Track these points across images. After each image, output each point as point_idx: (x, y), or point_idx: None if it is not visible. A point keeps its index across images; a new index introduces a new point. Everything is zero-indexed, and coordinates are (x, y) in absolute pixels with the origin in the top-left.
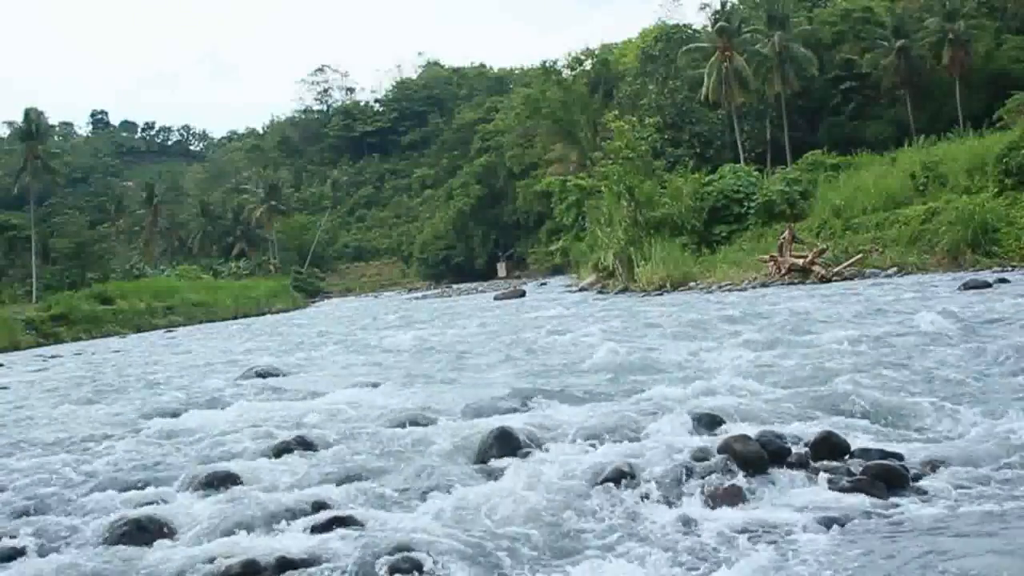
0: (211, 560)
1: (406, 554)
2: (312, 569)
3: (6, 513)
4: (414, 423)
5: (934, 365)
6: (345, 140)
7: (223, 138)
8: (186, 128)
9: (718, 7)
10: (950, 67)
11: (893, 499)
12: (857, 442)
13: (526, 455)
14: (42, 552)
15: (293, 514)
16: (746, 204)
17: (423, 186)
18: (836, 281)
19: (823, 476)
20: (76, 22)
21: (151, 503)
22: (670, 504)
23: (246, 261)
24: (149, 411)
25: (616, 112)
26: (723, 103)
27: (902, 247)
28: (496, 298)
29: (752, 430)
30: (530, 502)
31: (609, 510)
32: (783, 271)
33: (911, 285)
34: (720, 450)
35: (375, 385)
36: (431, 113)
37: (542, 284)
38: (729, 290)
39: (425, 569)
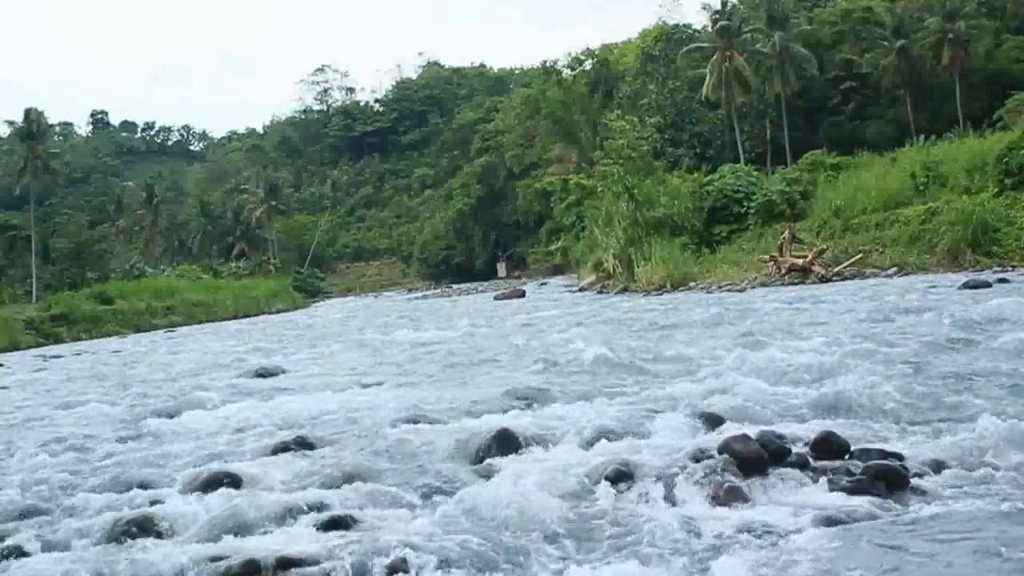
0: (211, 560)
1: (406, 554)
2: (312, 569)
3: (6, 513)
4: (414, 423)
5: (934, 365)
6: (345, 140)
7: (223, 138)
8: (186, 128)
9: (718, 7)
10: (950, 67)
11: (893, 499)
12: (857, 442)
13: (526, 455)
14: (42, 552)
15: (293, 514)
16: (746, 204)
17: (423, 186)
18: (836, 281)
19: (823, 476)
20: (75, 22)
21: (151, 503)
22: (670, 504)
23: (246, 261)
24: (149, 411)
25: (618, 112)
26: (723, 103)
27: (902, 247)
28: (496, 298)
29: (752, 430)
30: (530, 502)
31: (609, 510)
32: (783, 271)
33: (911, 285)
34: (720, 450)
35: (375, 385)
36: (431, 113)
37: (542, 284)
38: (729, 290)
39: (424, 569)
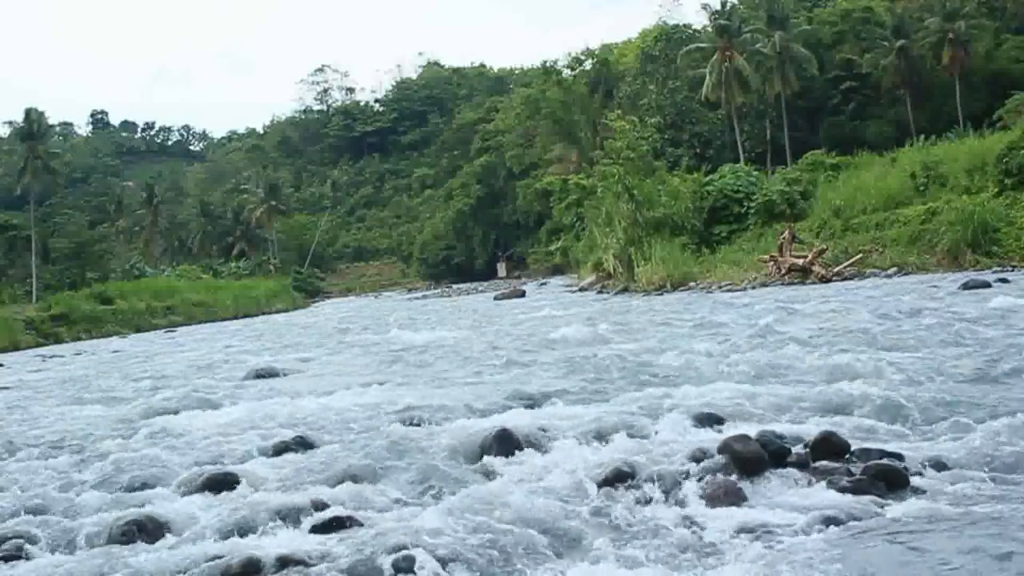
0: (211, 560)
1: (406, 554)
2: (312, 569)
3: (6, 513)
4: (414, 423)
5: (934, 365)
6: (345, 140)
7: (223, 138)
8: (186, 128)
9: (718, 7)
10: (950, 67)
11: (893, 499)
12: (857, 442)
13: (526, 455)
14: (42, 552)
15: (293, 514)
16: (746, 204)
17: (423, 186)
18: (836, 281)
19: (823, 476)
20: (75, 22)
21: (151, 503)
22: (670, 504)
23: (246, 261)
24: (149, 411)
25: (618, 112)
26: (723, 103)
27: (902, 247)
28: (496, 298)
29: (752, 430)
30: (530, 502)
31: (609, 510)
32: (783, 271)
33: (911, 285)
34: (720, 450)
35: (375, 385)
36: (431, 113)
37: (542, 284)
38: (729, 290)
39: (425, 569)
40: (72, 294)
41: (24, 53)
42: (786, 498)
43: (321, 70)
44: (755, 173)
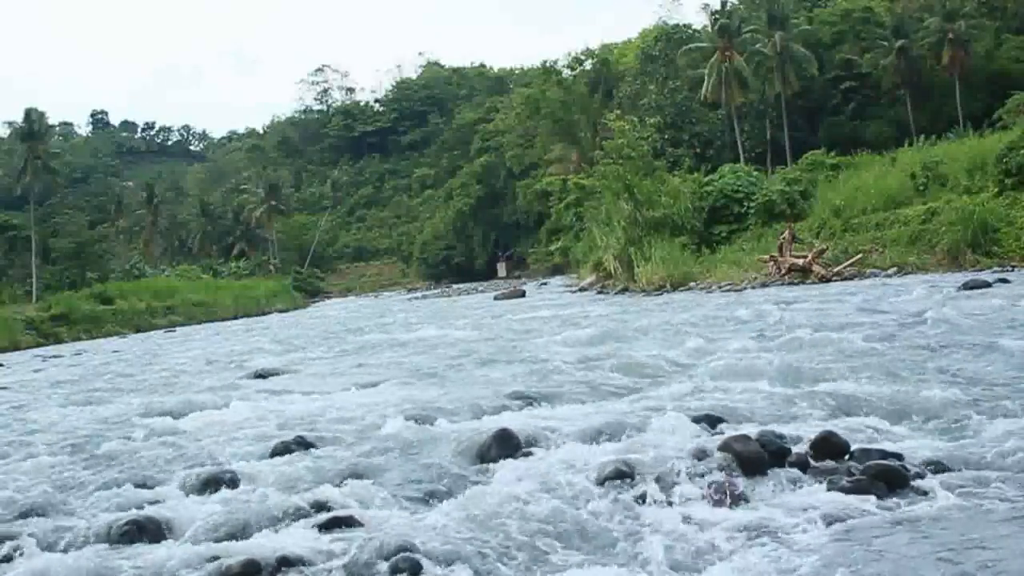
0: (211, 560)
1: (406, 554)
2: (312, 569)
3: (6, 513)
4: (414, 423)
5: (934, 365)
6: (345, 140)
7: (223, 138)
8: (186, 128)
9: (718, 7)
10: (950, 67)
11: (893, 499)
12: (857, 442)
13: (526, 455)
14: (42, 552)
15: (293, 514)
16: (746, 204)
17: (423, 186)
18: (836, 281)
19: (823, 476)
20: (75, 22)
21: (151, 503)
22: (670, 504)
23: (246, 261)
24: (149, 411)
25: (618, 112)
26: (723, 103)
27: (902, 247)
28: (496, 298)
29: (752, 430)
30: (530, 502)
31: (609, 510)
32: (783, 271)
33: (911, 285)
34: (720, 450)
35: (375, 385)
36: (431, 113)
37: (542, 284)
38: (729, 290)
39: (424, 570)
40: (72, 294)
41: (24, 53)
42: (786, 498)
43: (321, 70)
44: (755, 173)
